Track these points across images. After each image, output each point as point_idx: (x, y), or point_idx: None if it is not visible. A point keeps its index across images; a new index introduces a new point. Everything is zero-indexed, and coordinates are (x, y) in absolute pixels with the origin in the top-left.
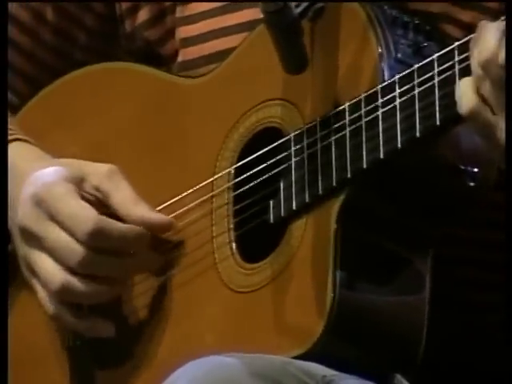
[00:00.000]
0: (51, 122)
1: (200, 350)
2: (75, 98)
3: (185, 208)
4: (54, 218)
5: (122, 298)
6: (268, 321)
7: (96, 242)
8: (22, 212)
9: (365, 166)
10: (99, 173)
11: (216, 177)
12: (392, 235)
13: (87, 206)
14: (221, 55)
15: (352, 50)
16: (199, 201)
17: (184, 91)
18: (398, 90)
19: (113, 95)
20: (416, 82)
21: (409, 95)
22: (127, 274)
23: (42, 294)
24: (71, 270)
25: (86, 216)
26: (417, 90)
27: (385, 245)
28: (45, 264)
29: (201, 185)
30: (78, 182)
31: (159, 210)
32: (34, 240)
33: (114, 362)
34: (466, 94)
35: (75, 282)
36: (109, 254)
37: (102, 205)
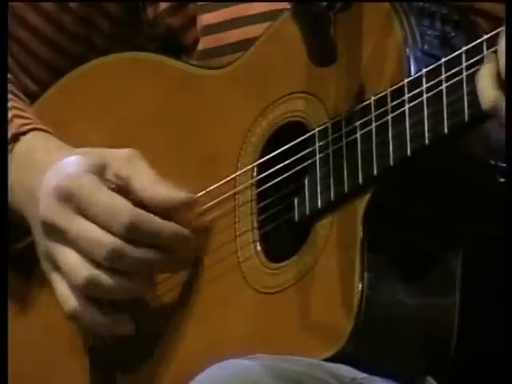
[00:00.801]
0: (72, 111)
1: (223, 352)
2: (97, 88)
3: (207, 205)
4: (83, 211)
5: (144, 296)
6: (294, 322)
7: (131, 235)
8: (44, 205)
9: (391, 163)
10: (118, 158)
11: (239, 173)
12: (421, 234)
13: (120, 198)
14: (242, 45)
15: (376, 41)
16: (222, 198)
17: (206, 82)
18: (425, 85)
19: (135, 85)
20: (444, 76)
21: (436, 90)
22: (156, 271)
23: (62, 289)
24: (97, 264)
25: (123, 208)
26: (444, 85)
27: (413, 244)
28: (69, 258)
29: (223, 181)
30: (101, 171)
31: None
32: (58, 234)
33: (135, 364)
34: (486, 87)
35: (102, 275)
36: (141, 247)
37: (125, 192)
